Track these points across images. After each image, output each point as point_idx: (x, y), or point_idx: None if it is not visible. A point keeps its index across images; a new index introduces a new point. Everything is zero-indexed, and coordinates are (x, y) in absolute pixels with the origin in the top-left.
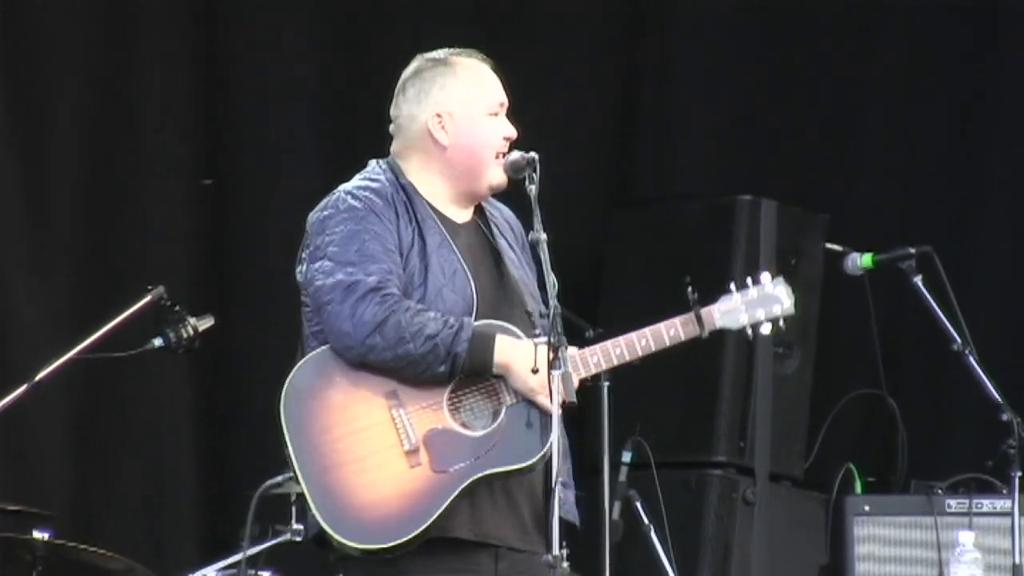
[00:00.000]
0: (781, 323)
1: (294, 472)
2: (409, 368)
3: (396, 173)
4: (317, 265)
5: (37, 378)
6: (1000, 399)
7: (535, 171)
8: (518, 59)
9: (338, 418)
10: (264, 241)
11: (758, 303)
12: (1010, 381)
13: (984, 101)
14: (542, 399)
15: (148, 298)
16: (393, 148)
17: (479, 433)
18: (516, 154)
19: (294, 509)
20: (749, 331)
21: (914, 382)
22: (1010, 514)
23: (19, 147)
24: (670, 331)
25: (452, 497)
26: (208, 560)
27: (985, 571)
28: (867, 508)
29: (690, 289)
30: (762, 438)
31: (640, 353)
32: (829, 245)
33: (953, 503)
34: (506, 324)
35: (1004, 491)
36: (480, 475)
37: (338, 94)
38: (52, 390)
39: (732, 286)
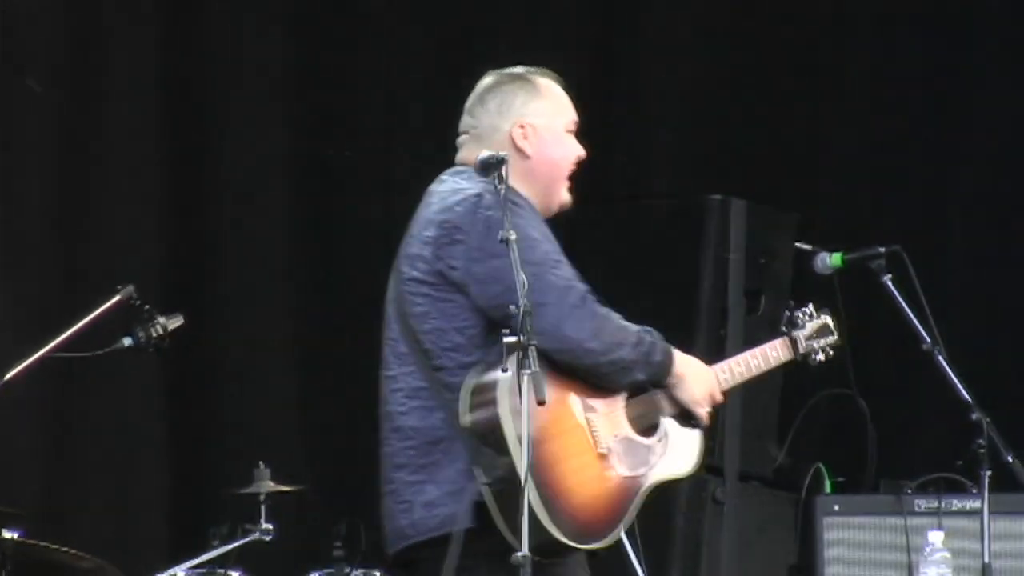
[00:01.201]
0: (831, 351)
1: (515, 471)
2: (615, 374)
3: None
4: (499, 263)
5: (6, 377)
6: (969, 398)
7: (506, 170)
8: (489, 60)
9: (543, 420)
10: (234, 240)
11: (819, 334)
12: (979, 380)
13: (950, 102)
14: (701, 410)
15: (117, 297)
16: (463, 157)
17: (651, 441)
18: (486, 153)
19: (263, 509)
20: (814, 357)
21: (884, 381)
22: (979, 513)
23: None
24: (772, 353)
25: (637, 500)
26: (177, 559)
27: (954, 571)
28: (837, 508)
29: (802, 315)
30: (731, 437)
31: (754, 372)
32: (799, 244)
33: (923, 503)
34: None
35: (974, 490)
36: (654, 481)
37: (306, 94)
38: (22, 389)
39: (799, 314)
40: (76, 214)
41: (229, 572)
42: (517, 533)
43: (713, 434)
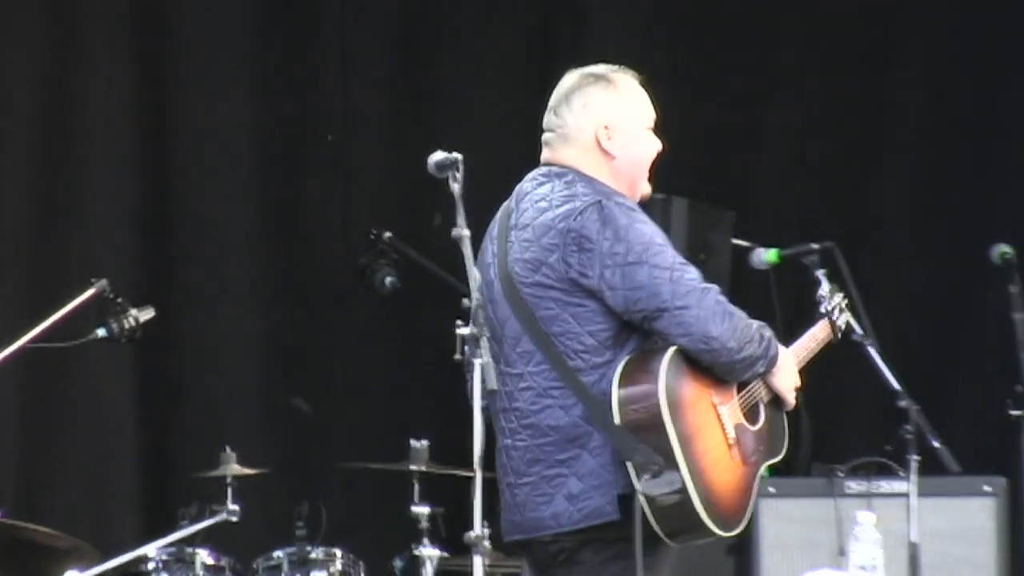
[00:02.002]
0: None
1: (678, 469)
2: (744, 369)
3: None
4: (640, 272)
5: None
6: (898, 386)
7: (458, 171)
8: (442, 69)
9: (692, 415)
10: (204, 235)
11: (840, 311)
12: (907, 369)
13: (880, 100)
14: (791, 396)
15: (92, 291)
16: (550, 157)
17: (757, 428)
18: (440, 154)
19: (229, 491)
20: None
21: (816, 370)
22: (907, 495)
23: None
24: (820, 335)
25: (757, 484)
26: (148, 538)
27: (883, 550)
28: (772, 490)
29: (824, 293)
30: None
31: (811, 356)
32: (736, 241)
33: (853, 485)
34: None
35: (901, 474)
36: (764, 465)
37: (274, 94)
38: (2, 377)
39: (822, 295)
40: (52, 212)
41: (197, 550)
42: (662, 521)
43: None
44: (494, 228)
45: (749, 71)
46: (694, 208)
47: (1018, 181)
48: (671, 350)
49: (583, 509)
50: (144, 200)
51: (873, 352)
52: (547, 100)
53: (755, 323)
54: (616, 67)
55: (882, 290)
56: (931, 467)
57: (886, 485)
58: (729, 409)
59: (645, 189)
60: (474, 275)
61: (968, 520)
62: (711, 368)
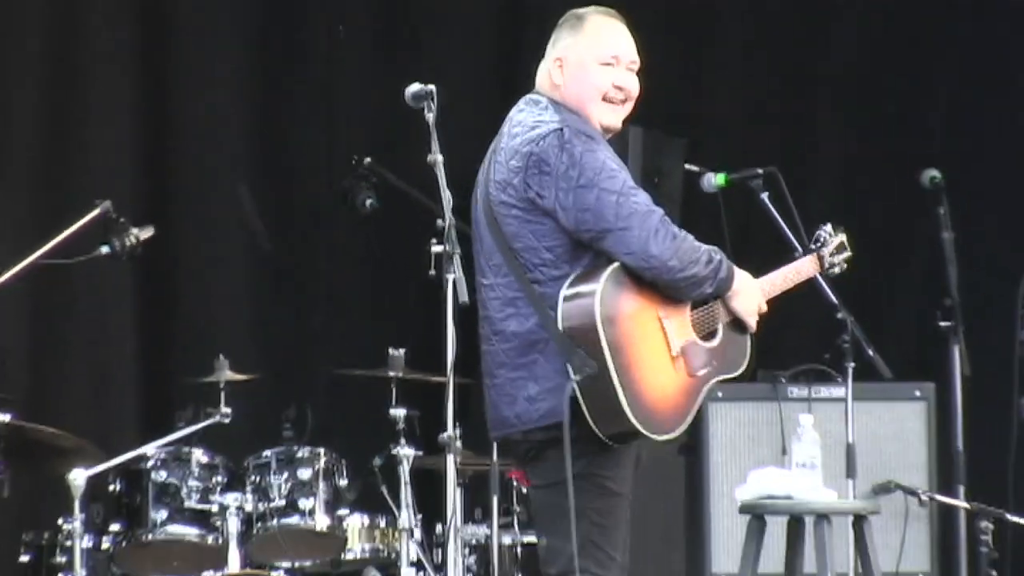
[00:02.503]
0: (845, 265)
1: (608, 374)
2: (690, 288)
3: (560, 109)
4: (589, 194)
5: (1, 280)
6: (835, 300)
7: (433, 101)
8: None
9: (630, 326)
10: (199, 161)
11: (838, 250)
12: (845, 285)
13: (820, 35)
14: (751, 320)
15: (96, 211)
16: (536, 86)
17: (711, 344)
18: (416, 86)
19: (222, 395)
20: (831, 272)
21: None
22: (844, 400)
23: None
24: (804, 267)
25: (700, 398)
26: (148, 439)
27: (822, 449)
28: (720, 395)
29: (825, 233)
30: None
31: (788, 286)
32: (688, 166)
33: (795, 390)
34: None
35: (839, 380)
36: (715, 380)
37: (264, 35)
38: (13, 292)
39: (821, 234)
40: (58, 140)
41: (193, 450)
42: (599, 422)
43: None
44: (489, 151)
45: (701, 15)
46: (649, 135)
47: (947, 112)
48: (612, 266)
49: (539, 409)
50: (144, 129)
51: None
52: (516, 36)
53: (705, 247)
54: (599, 8)
55: (822, 211)
56: (866, 374)
57: (825, 390)
58: (677, 324)
59: (604, 120)
60: (447, 197)
61: (900, 422)
62: (657, 286)
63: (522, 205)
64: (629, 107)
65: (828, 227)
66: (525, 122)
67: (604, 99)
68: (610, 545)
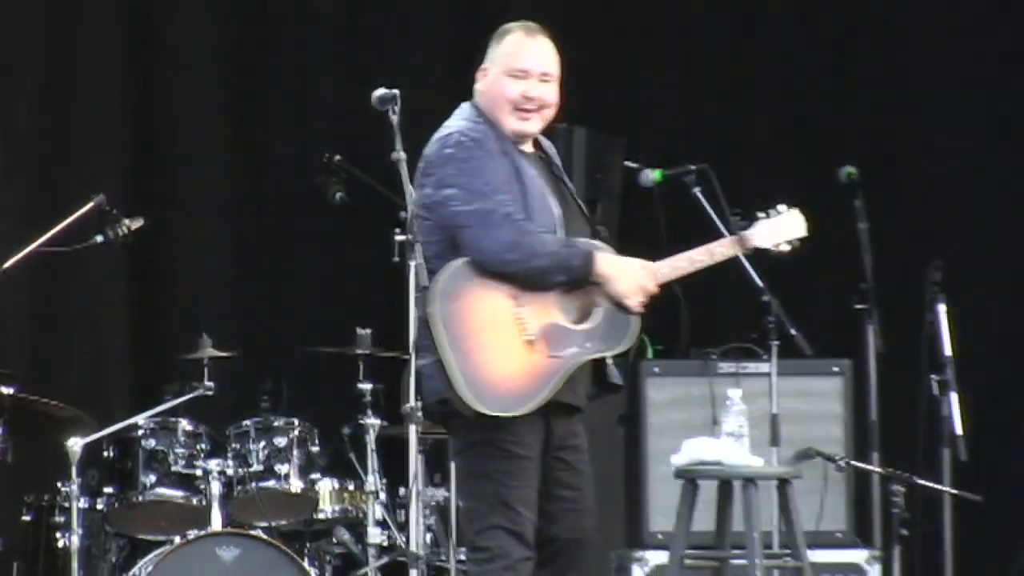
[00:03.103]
0: (797, 243)
1: (443, 358)
2: (535, 278)
3: (481, 113)
4: (448, 192)
5: (4, 267)
6: (761, 284)
7: (396, 104)
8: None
9: (475, 315)
10: (185, 159)
11: (782, 228)
12: (770, 269)
13: (752, 39)
14: (629, 302)
15: (91, 204)
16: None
17: (583, 327)
18: (382, 90)
19: (206, 370)
20: (776, 249)
21: (694, 272)
22: (769, 375)
23: None
24: (719, 249)
25: (561, 375)
26: (138, 410)
27: (749, 420)
28: (657, 370)
29: (738, 217)
30: None
31: (698, 267)
32: (627, 163)
33: (724, 366)
34: (598, 243)
35: (764, 357)
36: (587, 358)
37: (242, 41)
38: (16, 276)
39: (761, 214)
40: (57, 138)
41: (179, 420)
42: (454, 399)
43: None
44: None
45: (639, 27)
46: (592, 136)
47: (864, 114)
48: (459, 261)
49: (430, 386)
50: (134, 129)
51: (741, 257)
52: (476, 39)
53: (556, 241)
54: (525, 23)
55: (750, 204)
56: (789, 351)
57: (752, 366)
58: (535, 311)
59: (513, 127)
60: (409, 191)
61: (819, 395)
62: (508, 278)
63: (418, 203)
64: (548, 114)
65: (778, 208)
66: (443, 126)
67: (515, 108)
68: (519, 503)
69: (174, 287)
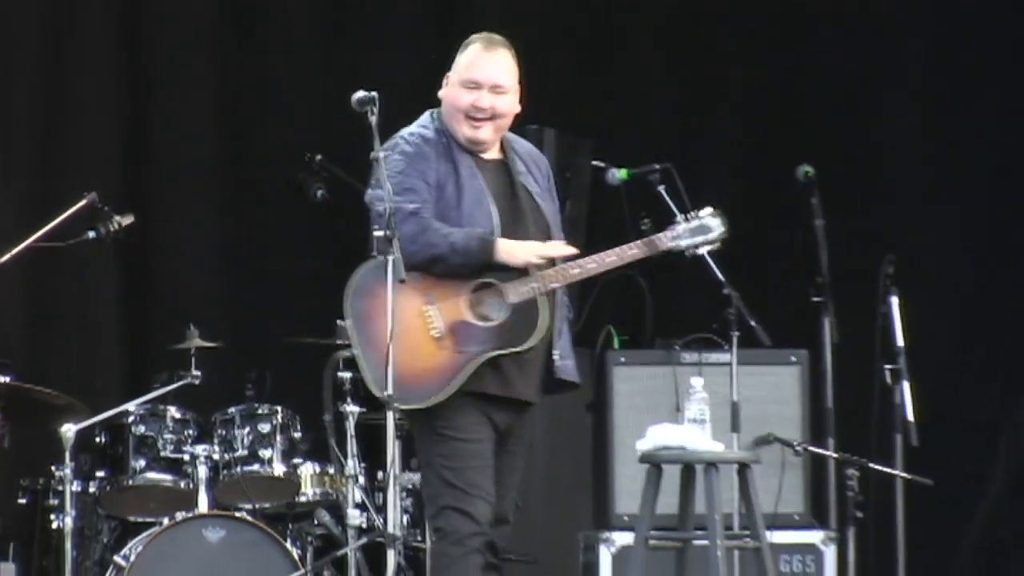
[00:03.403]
0: (718, 244)
1: (356, 352)
2: (434, 263)
3: (440, 121)
4: (376, 193)
5: (0, 261)
6: (722, 278)
7: (375, 105)
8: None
9: (385, 311)
10: (174, 158)
11: (698, 230)
12: (731, 265)
13: (714, 46)
14: (530, 264)
15: (84, 201)
16: None
17: (488, 324)
18: (361, 92)
19: (193, 360)
20: (694, 250)
21: (658, 264)
22: (729, 364)
23: None
24: (630, 251)
25: (467, 370)
26: (128, 398)
27: (710, 407)
28: (623, 360)
29: (646, 221)
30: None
31: (608, 267)
32: (595, 162)
33: (687, 356)
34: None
35: (725, 347)
36: (489, 355)
37: (228, 47)
38: (12, 270)
39: (679, 217)
40: (51, 139)
41: (168, 407)
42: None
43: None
44: None
45: (607, 31)
46: (561, 136)
47: (819, 114)
48: (375, 260)
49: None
50: (124, 131)
51: (704, 253)
52: (452, 44)
53: (456, 232)
54: (486, 35)
55: (712, 201)
56: (748, 341)
57: (713, 356)
58: (445, 309)
59: (466, 134)
60: (387, 188)
61: (777, 383)
62: (430, 274)
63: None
64: (502, 123)
65: (701, 211)
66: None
67: (467, 117)
68: (464, 482)
69: (163, 281)
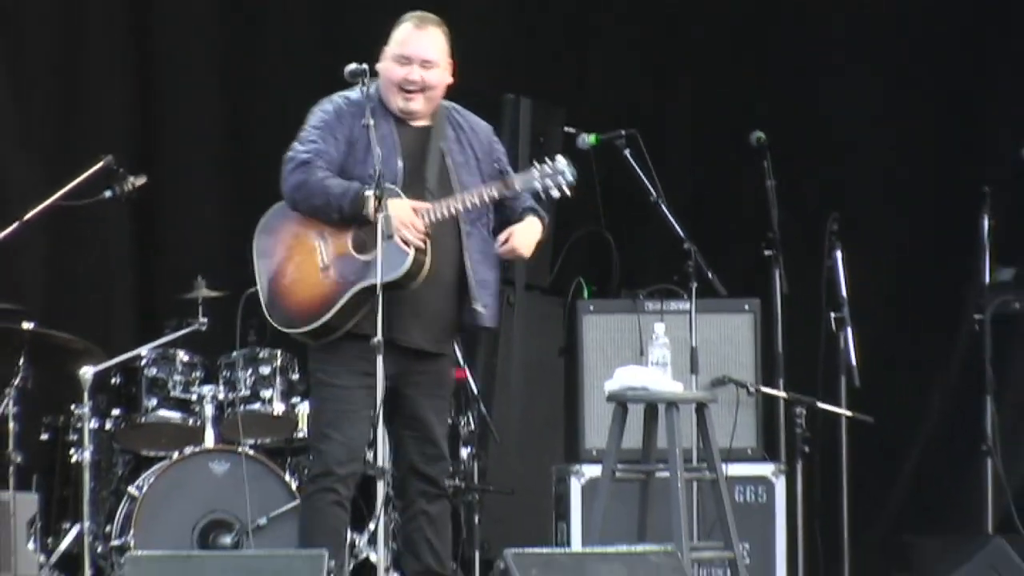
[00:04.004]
0: (567, 190)
1: (258, 285)
2: (317, 214)
3: (376, 90)
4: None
5: (26, 218)
6: (682, 233)
7: (366, 77)
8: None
9: (285, 247)
10: (179, 119)
11: (550, 174)
12: (691, 220)
13: (676, 25)
14: (400, 235)
15: (101, 164)
16: None
17: (365, 257)
18: (353, 65)
19: (200, 308)
20: (546, 193)
21: (623, 220)
22: (688, 312)
23: (9, 61)
24: (488, 191)
25: (346, 298)
26: (141, 343)
27: (671, 351)
28: (592, 309)
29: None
30: (519, 265)
31: (467, 206)
32: (566, 129)
33: (650, 305)
34: (396, 188)
35: (685, 297)
36: (364, 285)
37: (229, 47)
38: (36, 227)
39: (534, 162)
40: (71, 108)
41: (177, 351)
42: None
43: (509, 265)
44: None
45: (582, 4)
46: (536, 105)
47: (771, 83)
48: (279, 204)
49: None
50: (138, 100)
51: (664, 209)
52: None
53: (335, 185)
54: (419, 14)
55: (673, 167)
56: (706, 291)
57: (674, 305)
58: (332, 243)
59: (397, 104)
60: (377, 152)
61: (732, 330)
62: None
63: None
64: (433, 94)
65: (555, 158)
66: None
67: (400, 89)
68: (324, 424)
69: (172, 236)
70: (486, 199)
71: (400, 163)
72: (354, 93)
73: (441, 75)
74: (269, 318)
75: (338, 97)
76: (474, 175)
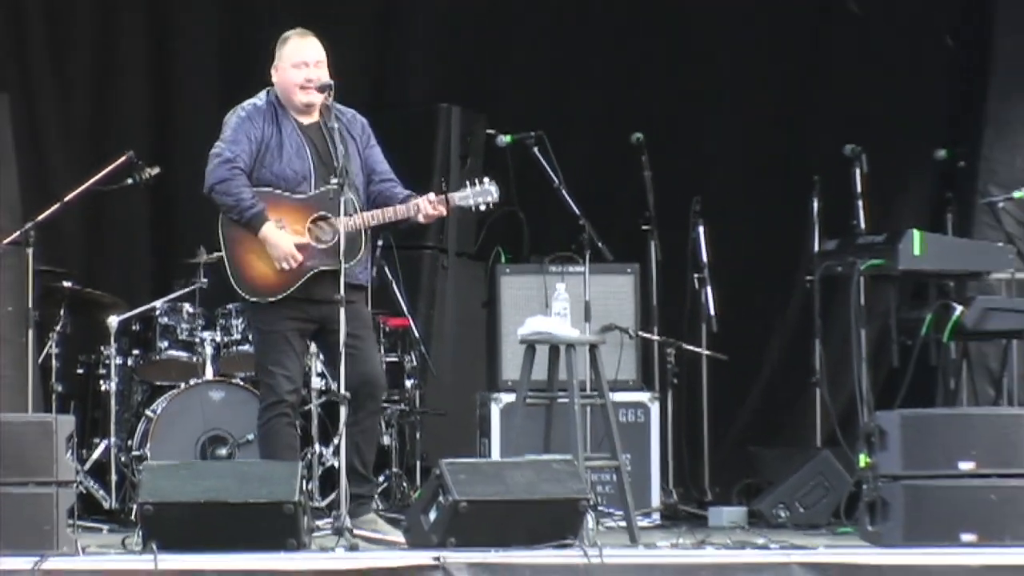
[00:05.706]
0: (491, 206)
1: (225, 258)
2: (230, 212)
3: (274, 96)
4: (218, 144)
5: (65, 200)
6: (577, 211)
7: (332, 90)
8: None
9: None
10: (193, 124)
11: (480, 193)
12: (584, 201)
13: (586, 15)
14: (277, 265)
15: (124, 158)
16: None
17: (323, 247)
18: (323, 80)
19: (202, 269)
20: (476, 208)
21: (534, 202)
22: (583, 273)
23: (50, 65)
24: (425, 205)
25: (304, 280)
26: (156, 298)
27: (570, 304)
28: (508, 271)
29: (443, 184)
30: (451, 232)
31: (395, 220)
32: (488, 131)
33: (553, 268)
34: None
35: (580, 261)
36: (321, 269)
37: (228, 37)
38: (74, 207)
39: (467, 183)
40: (99, 111)
41: (184, 304)
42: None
43: (442, 229)
44: None
45: (500, 14)
46: (463, 113)
47: (646, 86)
48: None
49: None
50: (156, 106)
51: (563, 193)
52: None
53: (247, 195)
54: (297, 30)
55: (572, 160)
56: (597, 257)
57: (572, 268)
58: (291, 230)
59: (300, 100)
60: (340, 150)
61: (617, 288)
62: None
63: None
64: (323, 88)
65: (483, 179)
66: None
67: (301, 88)
68: (270, 363)
69: (181, 214)
70: (421, 214)
71: (309, 155)
72: (259, 100)
73: (327, 72)
74: (238, 290)
75: (248, 105)
76: (356, 162)
